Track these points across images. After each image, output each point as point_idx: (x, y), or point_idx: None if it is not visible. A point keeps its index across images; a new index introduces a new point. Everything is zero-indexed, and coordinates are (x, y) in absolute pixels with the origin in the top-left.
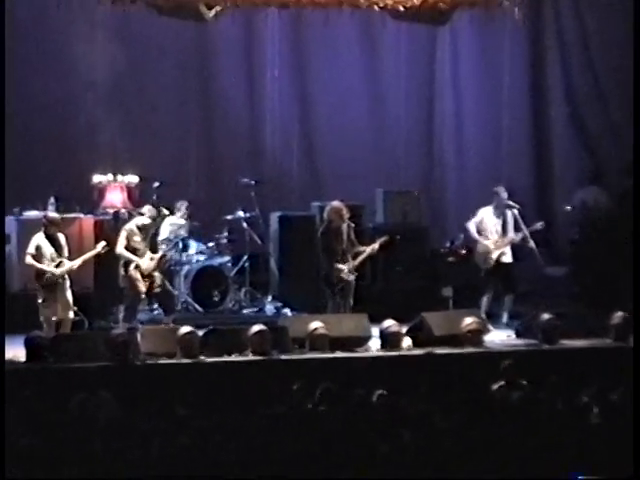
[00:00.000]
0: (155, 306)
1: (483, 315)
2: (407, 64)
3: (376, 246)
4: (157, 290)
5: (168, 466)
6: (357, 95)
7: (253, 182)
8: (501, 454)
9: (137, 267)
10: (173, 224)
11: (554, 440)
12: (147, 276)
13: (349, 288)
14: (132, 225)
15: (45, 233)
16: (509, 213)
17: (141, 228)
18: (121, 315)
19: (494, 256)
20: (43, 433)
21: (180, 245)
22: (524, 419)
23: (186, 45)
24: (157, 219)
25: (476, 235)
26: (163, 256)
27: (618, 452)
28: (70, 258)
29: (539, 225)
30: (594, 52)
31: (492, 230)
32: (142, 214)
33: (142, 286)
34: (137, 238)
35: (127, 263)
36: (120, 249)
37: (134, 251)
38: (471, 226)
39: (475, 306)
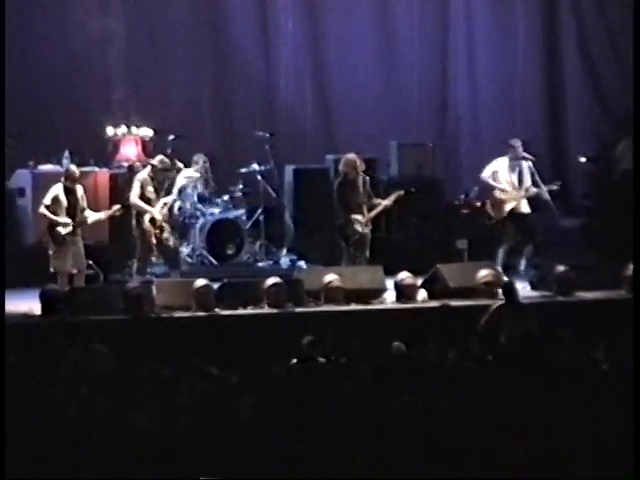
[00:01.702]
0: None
1: (499, 267)
2: (421, 16)
3: (391, 200)
4: (166, 242)
5: (182, 417)
6: (371, 48)
7: (268, 135)
8: (514, 406)
9: (151, 219)
10: (188, 177)
11: (568, 389)
12: (157, 227)
13: (364, 241)
14: (145, 175)
15: (64, 186)
16: (524, 165)
17: (154, 178)
18: (135, 267)
19: (507, 207)
20: (58, 386)
21: (195, 198)
22: (539, 370)
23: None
24: (171, 171)
25: (492, 182)
26: (173, 203)
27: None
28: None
29: (555, 185)
30: (607, 3)
31: (506, 182)
32: (154, 165)
33: (154, 238)
34: (150, 188)
35: (140, 214)
36: (134, 199)
37: (147, 201)
38: (485, 175)
39: (490, 258)
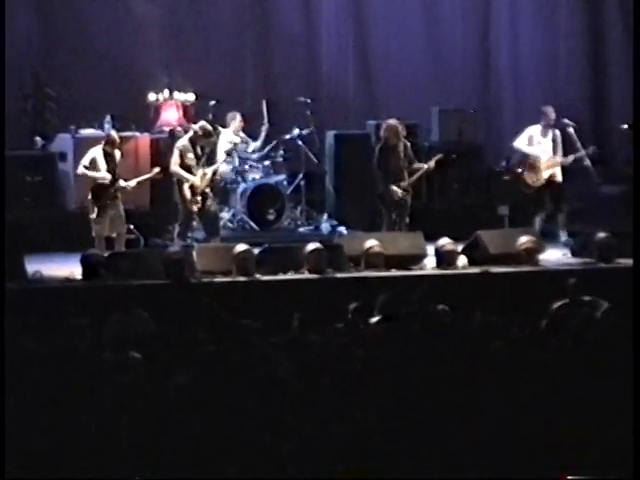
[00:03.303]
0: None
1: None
2: None
3: (432, 164)
4: (210, 209)
5: (223, 381)
6: (413, 14)
7: (309, 100)
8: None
9: (191, 186)
10: (230, 141)
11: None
12: (200, 194)
13: (405, 206)
14: (185, 141)
15: (103, 150)
16: (557, 132)
17: (195, 144)
18: (176, 233)
19: (544, 175)
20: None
21: (236, 162)
22: (580, 338)
23: None
24: (212, 137)
25: (527, 149)
26: (215, 172)
27: None
28: (126, 176)
29: (591, 149)
30: None
31: (541, 149)
32: (195, 131)
33: (194, 205)
34: (190, 155)
35: (180, 181)
36: (174, 167)
37: (188, 169)
38: (518, 144)
39: (530, 225)
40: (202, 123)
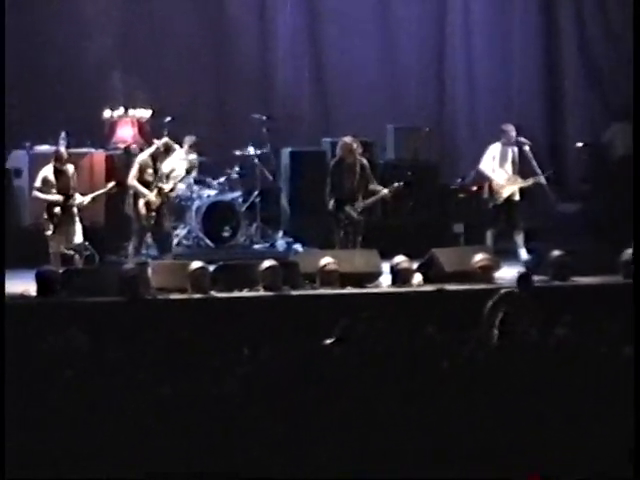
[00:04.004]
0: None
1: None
2: (420, 1)
3: (389, 191)
4: (164, 226)
5: (176, 401)
6: (368, 31)
7: (264, 118)
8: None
9: (147, 201)
10: (183, 159)
11: (564, 375)
12: (154, 210)
13: (358, 225)
14: (146, 156)
15: (54, 167)
16: (517, 151)
17: (155, 160)
18: (130, 248)
19: (505, 193)
20: (54, 367)
21: (191, 180)
22: (536, 355)
23: None
24: (173, 154)
25: (488, 173)
26: (171, 190)
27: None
28: (81, 193)
29: (549, 173)
30: None
31: (501, 167)
32: (158, 146)
33: (149, 221)
34: (150, 170)
35: (136, 195)
36: (132, 180)
37: (146, 184)
38: (483, 165)
39: (483, 242)
40: (165, 139)
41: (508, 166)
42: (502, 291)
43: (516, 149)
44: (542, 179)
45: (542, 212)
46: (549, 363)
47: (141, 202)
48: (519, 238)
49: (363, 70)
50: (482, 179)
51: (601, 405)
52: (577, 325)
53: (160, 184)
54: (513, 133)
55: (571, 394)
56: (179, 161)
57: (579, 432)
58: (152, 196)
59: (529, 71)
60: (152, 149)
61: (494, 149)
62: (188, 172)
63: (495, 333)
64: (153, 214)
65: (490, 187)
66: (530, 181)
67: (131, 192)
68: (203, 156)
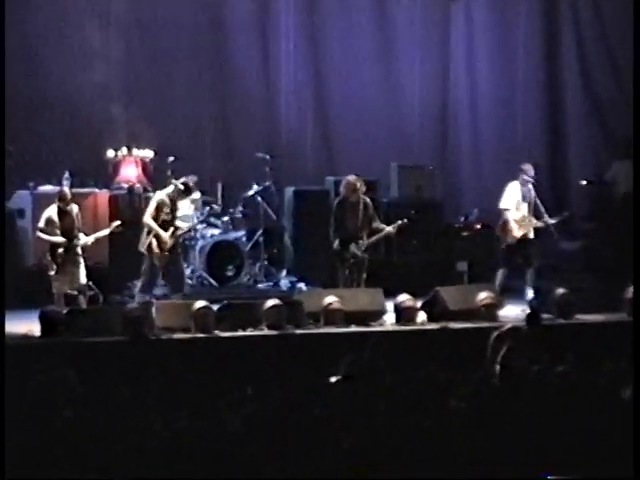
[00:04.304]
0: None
1: (497, 288)
2: (421, 38)
3: (393, 229)
4: (178, 265)
5: (181, 440)
6: (372, 70)
7: (268, 157)
8: (514, 430)
9: (160, 241)
10: (194, 200)
11: (568, 415)
12: (167, 250)
13: (361, 264)
14: (163, 196)
15: (57, 207)
16: (533, 192)
17: (173, 200)
18: (138, 287)
19: (519, 233)
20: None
21: (195, 220)
22: (540, 393)
23: (200, 17)
24: (191, 195)
25: (509, 213)
26: (188, 231)
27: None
28: (84, 232)
29: (564, 216)
30: (608, 26)
31: (519, 206)
32: (177, 186)
33: (162, 260)
34: (167, 210)
35: (150, 233)
36: (147, 219)
37: (161, 223)
38: (504, 204)
39: (490, 281)
40: (184, 179)
41: (525, 206)
42: (508, 325)
43: (533, 190)
44: (551, 220)
45: (545, 250)
46: (551, 400)
47: (155, 241)
48: (531, 276)
49: (366, 109)
50: (502, 220)
51: (601, 443)
52: (580, 362)
53: (177, 224)
54: (531, 172)
55: (571, 431)
56: (189, 202)
57: (579, 469)
58: (167, 236)
59: (532, 109)
60: (170, 189)
61: (513, 188)
62: (192, 216)
63: (497, 368)
64: (166, 253)
65: (505, 227)
66: (549, 221)
67: (145, 230)
68: (206, 195)
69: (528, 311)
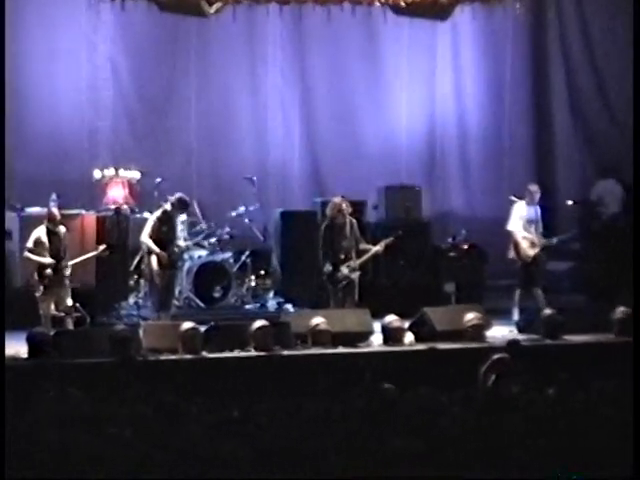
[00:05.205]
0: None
1: (517, 309)
2: (409, 60)
3: (381, 247)
4: (170, 285)
5: (169, 463)
6: (359, 91)
7: (254, 178)
8: (503, 450)
9: (158, 259)
10: (182, 220)
11: (557, 435)
12: (164, 268)
13: (352, 285)
14: (160, 213)
15: (46, 228)
16: (539, 211)
17: (170, 217)
18: (150, 307)
19: (533, 252)
20: (45, 429)
21: (182, 241)
22: (527, 414)
23: (187, 41)
24: (188, 210)
25: (517, 235)
26: (188, 248)
27: (619, 448)
28: (72, 254)
29: (573, 233)
30: (596, 46)
31: (526, 227)
32: (172, 202)
33: (163, 279)
34: (165, 228)
35: (150, 253)
36: (144, 237)
37: (159, 241)
38: (512, 226)
39: (477, 301)
40: (178, 195)
41: (532, 226)
42: (494, 357)
43: (539, 210)
44: (555, 239)
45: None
46: (540, 422)
47: (154, 259)
48: (539, 294)
49: (353, 130)
50: (512, 241)
51: (594, 464)
52: (569, 383)
53: (177, 242)
54: (538, 194)
55: (562, 452)
56: (180, 223)
57: None
58: (164, 255)
59: (520, 131)
60: (167, 206)
61: (520, 209)
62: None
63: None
64: (166, 271)
65: (517, 247)
66: (554, 240)
67: (145, 248)
68: (192, 216)
69: (508, 338)
